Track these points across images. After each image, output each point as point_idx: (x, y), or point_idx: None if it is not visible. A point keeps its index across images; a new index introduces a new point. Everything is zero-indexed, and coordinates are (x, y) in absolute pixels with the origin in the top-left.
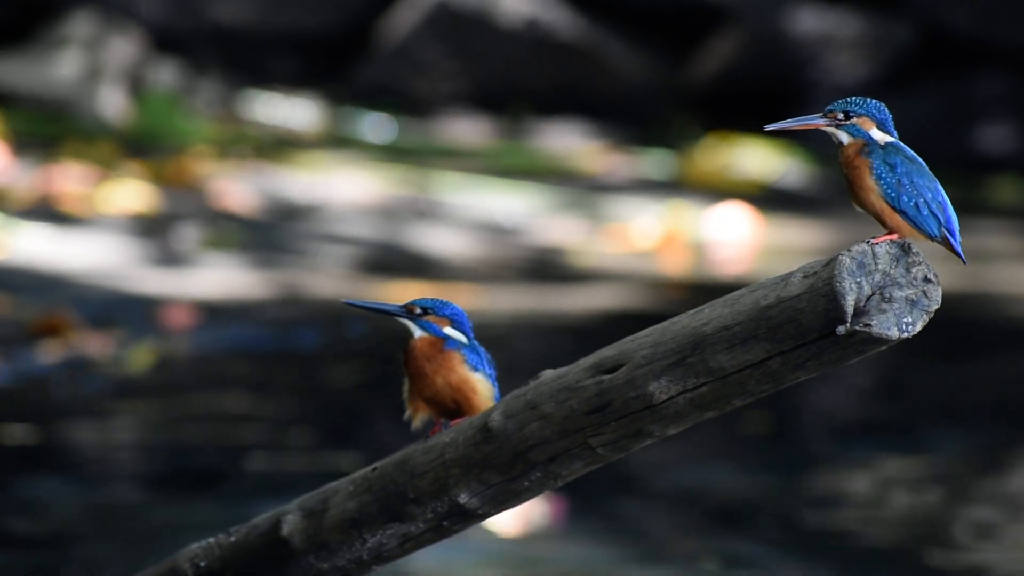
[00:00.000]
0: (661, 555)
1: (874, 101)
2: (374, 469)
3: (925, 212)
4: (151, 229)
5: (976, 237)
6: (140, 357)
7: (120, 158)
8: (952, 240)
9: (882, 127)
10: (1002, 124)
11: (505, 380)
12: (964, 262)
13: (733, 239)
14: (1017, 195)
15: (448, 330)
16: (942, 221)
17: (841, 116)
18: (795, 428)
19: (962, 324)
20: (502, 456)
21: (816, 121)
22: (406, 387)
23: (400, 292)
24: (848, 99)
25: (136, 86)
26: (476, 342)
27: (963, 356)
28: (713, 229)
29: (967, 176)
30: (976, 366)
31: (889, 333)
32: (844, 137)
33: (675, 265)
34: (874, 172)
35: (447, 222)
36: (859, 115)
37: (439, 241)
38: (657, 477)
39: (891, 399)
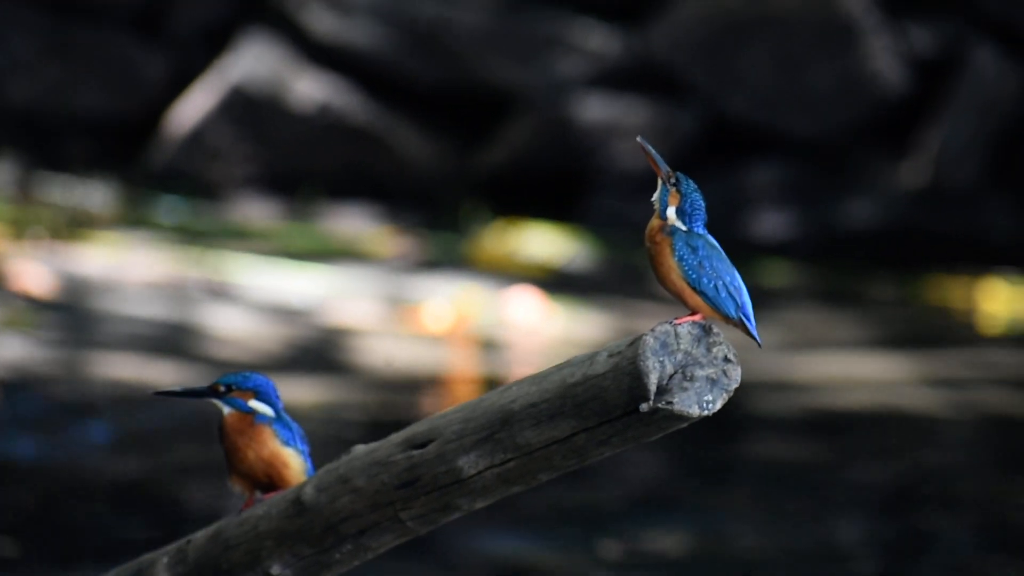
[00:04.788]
0: None
1: (695, 188)
2: (188, 541)
3: (724, 294)
4: None
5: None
6: None
7: None
8: (748, 323)
9: (681, 212)
10: (779, 211)
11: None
12: (759, 344)
13: (523, 322)
14: (786, 279)
15: (253, 403)
16: (739, 304)
17: (673, 180)
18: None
19: (729, 413)
20: (314, 529)
21: (661, 166)
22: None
23: (195, 373)
24: (687, 176)
25: None
26: (288, 416)
27: (727, 444)
28: (502, 313)
29: (744, 261)
30: (740, 454)
31: (690, 410)
32: (655, 196)
33: (464, 348)
34: (676, 253)
35: (239, 303)
36: (678, 189)
37: (231, 322)
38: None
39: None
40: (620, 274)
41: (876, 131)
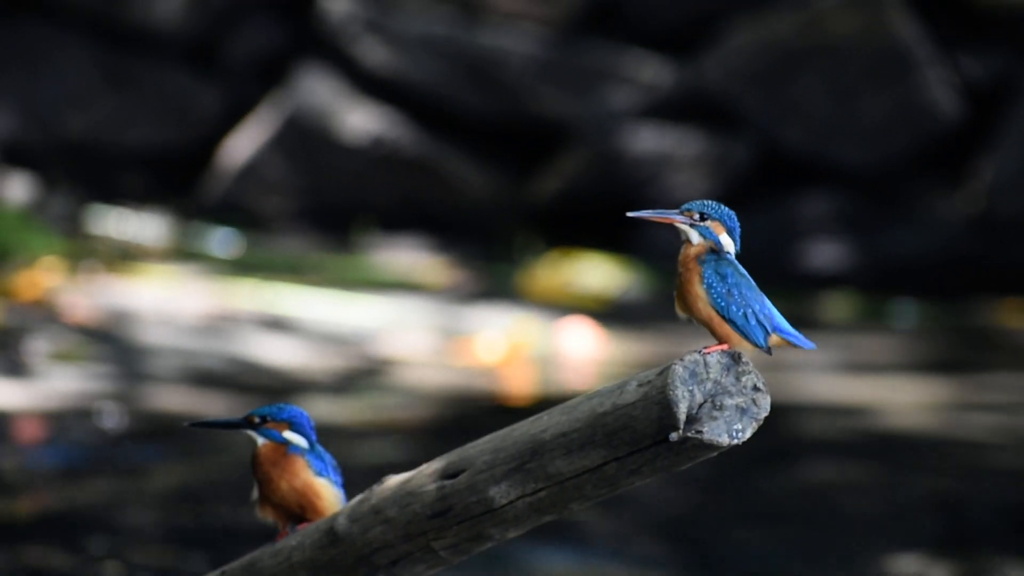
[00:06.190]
0: None
1: (727, 208)
2: (223, 573)
3: (753, 322)
4: None
5: (793, 350)
6: None
7: None
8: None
9: (730, 234)
10: (832, 241)
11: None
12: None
13: (576, 353)
14: (843, 311)
15: (287, 434)
16: (769, 330)
17: (697, 216)
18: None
19: (764, 433)
20: (347, 559)
21: (674, 216)
22: (255, 492)
23: (246, 404)
24: (705, 201)
25: None
26: (321, 447)
27: (763, 465)
28: (557, 344)
29: (800, 293)
30: (775, 474)
31: (720, 439)
32: (695, 236)
33: (519, 379)
34: (704, 281)
35: (292, 335)
36: (713, 219)
37: (284, 354)
38: None
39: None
40: (673, 305)
41: (929, 161)
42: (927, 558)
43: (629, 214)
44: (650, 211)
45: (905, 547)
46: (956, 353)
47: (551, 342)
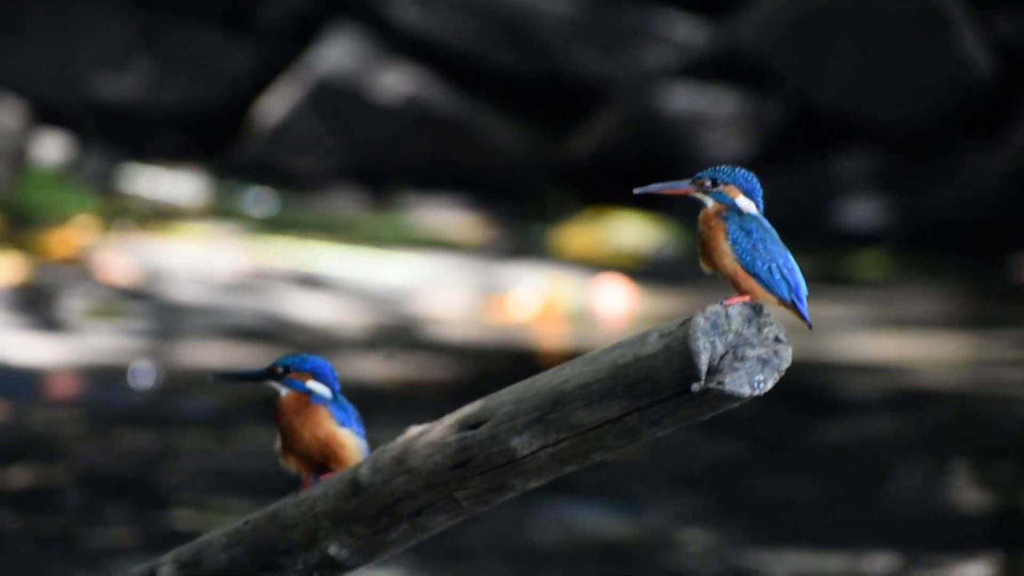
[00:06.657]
0: None
1: (742, 171)
2: (246, 522)
3: (777, 276)
4: (34, 301)
5: (829, 307)
6: None
7: (2, 231)
8: (799, 305)
9: (749, 196)
10: (867, 200)
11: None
12: (810, 327)
13: (610, 311)
14: (879, 269)
15: (311, 384)
16: (792, 285)
17: (708, 183)
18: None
19: (796, 390)
20: (369, 509)
21: (683, 186)
22: (278, 442)
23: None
24: (717, 167)
25: (19, 160)
26: (344, 398)
27: (803, 420)
28: (590, 301)
29: (834, 250)
30: (814, 429)
31: (741, 391)
32: (710, 203)
33: (552, 336)
34: (729, 236)
35: (326, 293)
36: (726, 183)
37: (319, 311)
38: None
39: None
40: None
41: (964, 119)
42: (961, 510)
43: (636, 191)
44: (657, 185)
45: (940, 501)
46: (990, 309)
47: (585, 300)
